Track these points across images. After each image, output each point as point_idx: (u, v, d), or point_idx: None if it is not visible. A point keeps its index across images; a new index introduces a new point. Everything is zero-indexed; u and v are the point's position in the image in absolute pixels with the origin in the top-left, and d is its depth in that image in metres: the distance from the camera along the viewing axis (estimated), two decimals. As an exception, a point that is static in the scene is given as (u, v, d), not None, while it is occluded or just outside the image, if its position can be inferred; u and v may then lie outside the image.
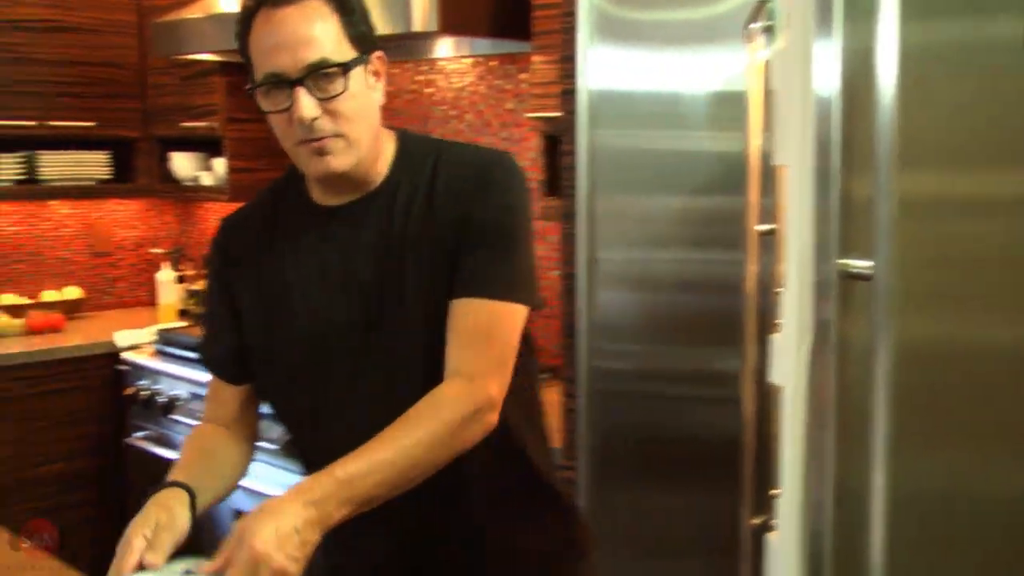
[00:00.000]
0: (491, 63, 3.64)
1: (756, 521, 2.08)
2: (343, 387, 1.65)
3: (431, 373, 1.58)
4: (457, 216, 1.60)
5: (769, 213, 1.97)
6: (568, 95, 2.43)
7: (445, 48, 3.62)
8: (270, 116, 1.59)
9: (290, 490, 1.42)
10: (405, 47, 3.61)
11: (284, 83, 1.53)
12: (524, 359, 1.68)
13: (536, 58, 2.96)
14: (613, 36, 2.35)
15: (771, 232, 1.93)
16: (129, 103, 4.42)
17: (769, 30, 1.97)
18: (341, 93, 1.54)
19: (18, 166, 4.21)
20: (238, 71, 3.90)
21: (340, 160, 1.58)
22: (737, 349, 2.17)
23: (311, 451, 1.74)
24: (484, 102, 3.68)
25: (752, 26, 2.01)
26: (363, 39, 1.59)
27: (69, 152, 4.32)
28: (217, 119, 4.06)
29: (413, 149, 1.69)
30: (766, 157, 2.02)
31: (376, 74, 1.63)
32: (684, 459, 2.35)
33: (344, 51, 1.55)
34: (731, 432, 2.20)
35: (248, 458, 1.78)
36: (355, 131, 1.57)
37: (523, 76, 3.52)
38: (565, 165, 2.47)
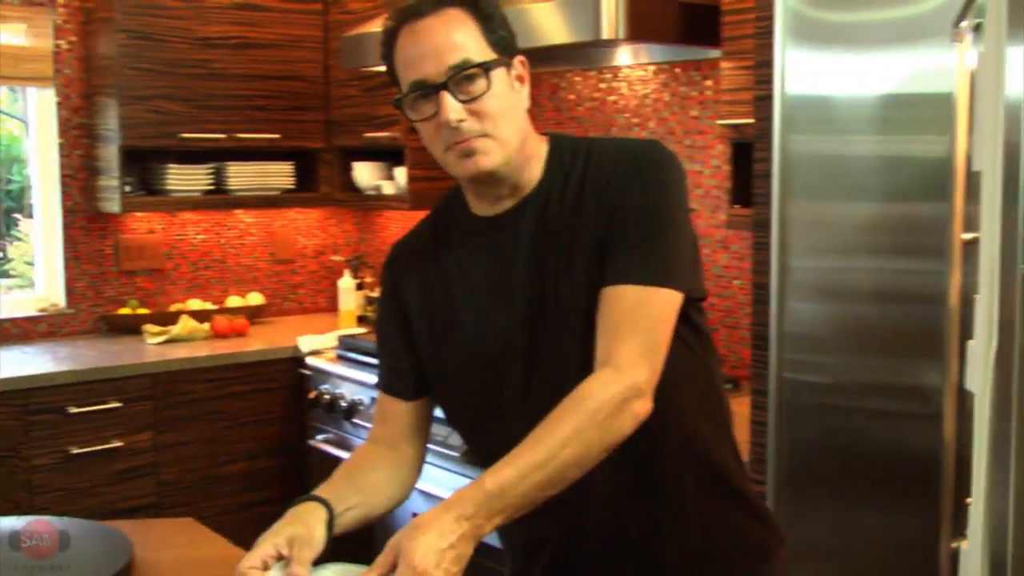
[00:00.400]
0: (675, 70, 3.60)
1: (956, 544, 1.99)
2: (516, 397, 1.65)
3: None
4: (607, 205, 1.59)
5: (973, 222, 1.88)
6: (763, 101, 2.38)
7: (628, 56, 3.59)
8: (420, 127, 1.63)
9: (442, 504, 1.41)
10: (587, 55, 3.60)
11: (429, 90, 1.56)
12: (708, 363, 1.72)
13: (725, 64, 2.92)
14: (810, 39, 2.29)
15: (974, 241, 1.84)
16: (313, 115, 4.54)
17: (978, 28, 1.89)
18: (484, 93, 1.56)
19: (208, 177, 4.37)
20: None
21: (488, 159, 1.59)
22: (938, 362, 2.09)
23: (489, 458, 1.73)
24: (667, 109, 3.64)
25: (961, 24, 1.93)
26: (503, 43, 1.62)
27: (255, 163, 4.46)
28: (399, 129, 4.12)
29: (565, 150, 1.69)
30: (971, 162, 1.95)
31: (520, 79, 1.65)
32: (879, 476, 2.26)
33: (485, 53, 1.59)
34: (930, 449, 2.12)
35: (410, 481, 1.77)
36: (501, 131, 1.59)
37: (708, 83, 3.48)
38: (758, 172, 2.41)
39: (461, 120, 1.56)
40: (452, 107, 1.55)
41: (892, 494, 2.23)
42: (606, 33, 2.91)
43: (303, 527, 1.55)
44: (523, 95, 1.66)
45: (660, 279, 1.54)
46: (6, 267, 4.65)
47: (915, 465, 2.16)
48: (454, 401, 1.75)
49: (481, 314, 1.67)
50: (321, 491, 1.64)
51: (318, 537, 1.56)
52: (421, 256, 1.75)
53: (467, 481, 1.89)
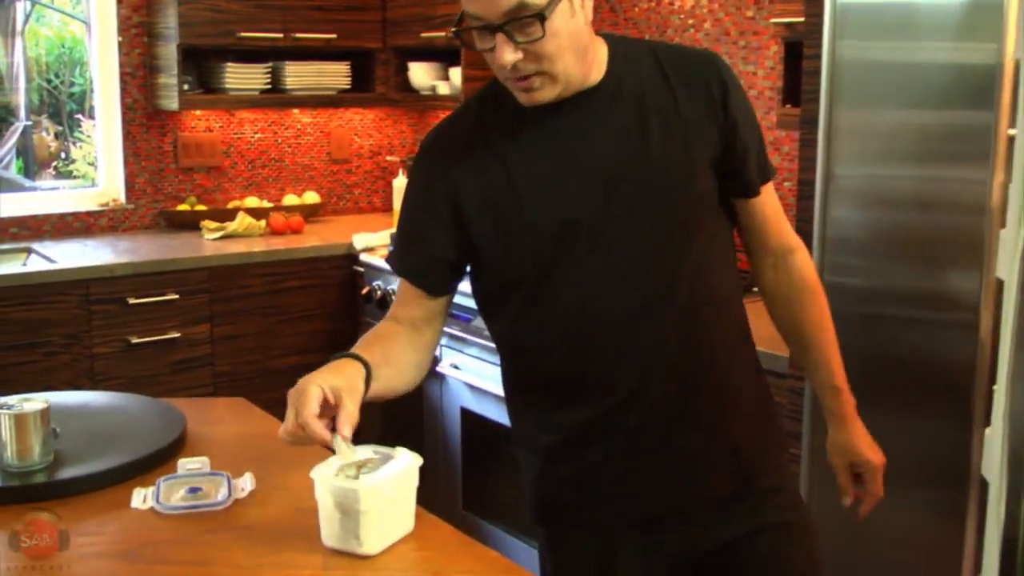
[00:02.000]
0: (730, -30, 3.56)
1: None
2: (596, 280, 1.64)
3: (687, 255, 1.66)
4: (724, 115, 1.68)
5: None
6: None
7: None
8: (481, 52, 1.61)
9: (849, 411, 1.88)
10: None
11: (484, 30, 1.55)
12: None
13: (780, -38, 2.88)
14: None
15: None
16: (370, 15, 4.54)
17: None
18: (540, 38, 1.54)
19: (264, 76, 4.41)
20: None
21: (546, 93, 1.60)
22: (976, 272, 2.08)
23: (531, 331, 1.71)
24: (723, 10, 3.61)
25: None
26: None
27: (312, 63, 4.49)
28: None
29: (625, 49, 1.71)
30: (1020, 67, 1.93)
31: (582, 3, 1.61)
32: (913, 383, 2.28)
33: None
34: (967, 356, 2.13)
35: (424, 367, 1.79)
36: (558, 67, 1.57)
37: (764, -18, 3.43)
38: (807, 69, 2.39)
39: (516, 60, 1.55)
40: (506, 51, 1.54)
41: (925, 401, 2.25)
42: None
43: (345, 379, 1.59)
44: (585, 13, 1.61)
45: (774, 172, 1.84)
46: (70, 167, 4.75)
47: (950, 373, 2.18)
48: (515, 278, 1.69)
49: (550, 197, 1.64)
50: (358, 350, 1.67)
51: (359, 390, 1.60)
52: (468, 143, 1.71)
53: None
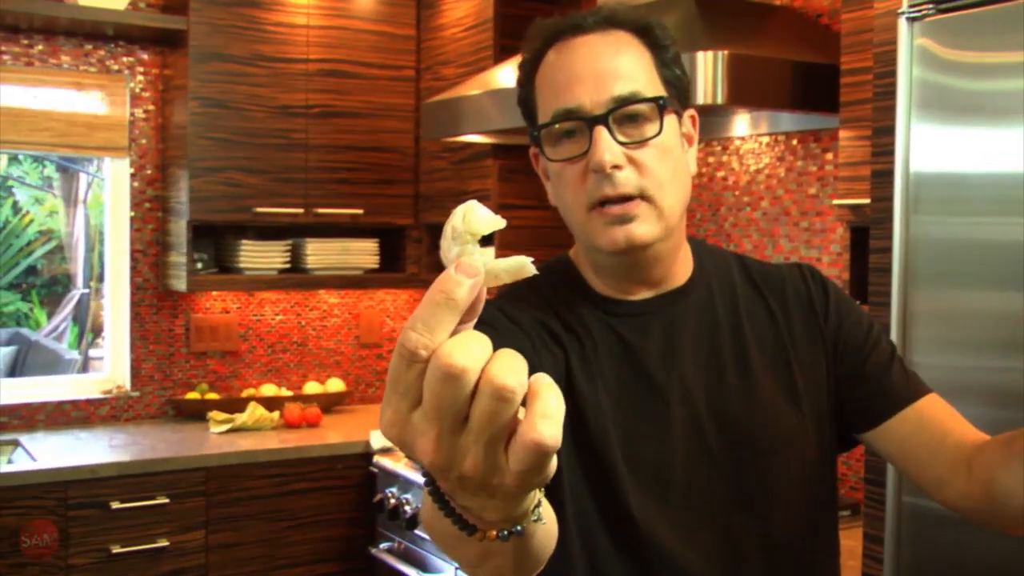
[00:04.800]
0: (792, 141, 3.15)
1: None
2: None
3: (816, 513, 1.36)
4: (837, 339, 1.38)
5: None
6: (881, 177, 1.94)
7: (738, 125, 3.17)
8: (556, 173, 1.29)
9: None
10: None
11: (581, 123, 1.24)
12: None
13: (844, 134, 2.46)
14: (939, 109, 1.86)
15: None
16: (402, 189, 4.23)
17: None
18: (654, 137, 1.24)
19: (283, 255, 4.07)
20: (512, 153, 3.61)
21: (646, 229, 1.25)
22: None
23: None
24: (782, 187, 3.18)
25: None
26: (678, 85, 1.30)
27: (336, 240, 4.15)
28: (489, 205, 3.75)
29: (706, 254, 1.42)
30: None
31: (688, 138, 1.34)
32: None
33: (657, 90, 1.27)
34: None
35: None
36: (665, 195, 1.26)
37: (829, 156, 3.02)
38: (875, 265, 1.96)
39: (617, 167, 1.22)
40: (609, 147, 1.22)
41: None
42: (702, 98, 2.48)
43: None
44: (691, 158, 1.33)
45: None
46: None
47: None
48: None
49: (623, 412, 1.29)
50: None
51: None
52: (540, 319, 1.31)
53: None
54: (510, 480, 0.65)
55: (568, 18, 1.30)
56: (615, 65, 1.25)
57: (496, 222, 0.69)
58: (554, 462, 0.66)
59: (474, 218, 0.69)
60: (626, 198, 1.24)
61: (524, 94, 1.33)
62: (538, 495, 0.74)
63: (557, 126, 1.26)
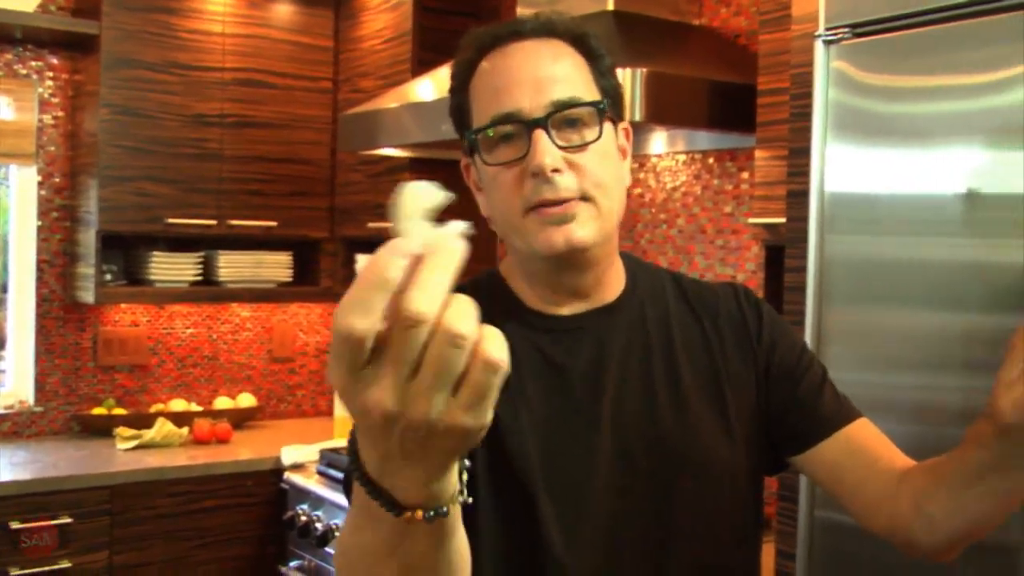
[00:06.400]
0: (708, 160, 3.16)
1: None
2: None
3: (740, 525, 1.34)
4: (770, 359, 1.37)
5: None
6: (796, 197, 1.94)
7: (654, 143, 3.17)
8: (491, 178, 1.27)
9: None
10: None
11: (520, 126, 1.23)
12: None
13: (760, 153, 2.47)
14: (854, 131, 1.87)
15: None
16: (317, 201, 4.17)
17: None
18: (593, 141, 1.23)
19: (195, 267, 3.99)
20: (429, 167, 3.58)
21: (585, 231, 1.24)
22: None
23: None
24: (698, 204, 3.20)
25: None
26: (613, 95, 1.30)
27: (249, 252, 4.07)
28: (405, 220, 3.72)
29: (640, 270, 1.41)
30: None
31: (622, 151, 1.33)
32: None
33: (596, 98, 1.26)
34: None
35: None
36: (604, 197, 1.25)
37: (744, 175, 3.04)
38: (790, 284, 1.97)
39: (557, 171, 1.21)
40: (548, 150, 1.21)
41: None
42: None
43: None
44: (625, 170, 1.32)
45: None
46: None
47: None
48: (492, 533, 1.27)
49: (546, 436, 1.27)
50: None
51: None
52: None
53: None
54: (459, 420, 0.67)
55: (505, 25, 1.30)
56: (554, 70, 1.25)
57: (439, 197, 0.71)
58: (490, 412, 0.68)
59: (416, 196, 0.70)
60: (565, 201, 1.23)
61: (457, 101, 1.31)
62: (459, 484, 0.77)
63: (493, 131, 1.24)
